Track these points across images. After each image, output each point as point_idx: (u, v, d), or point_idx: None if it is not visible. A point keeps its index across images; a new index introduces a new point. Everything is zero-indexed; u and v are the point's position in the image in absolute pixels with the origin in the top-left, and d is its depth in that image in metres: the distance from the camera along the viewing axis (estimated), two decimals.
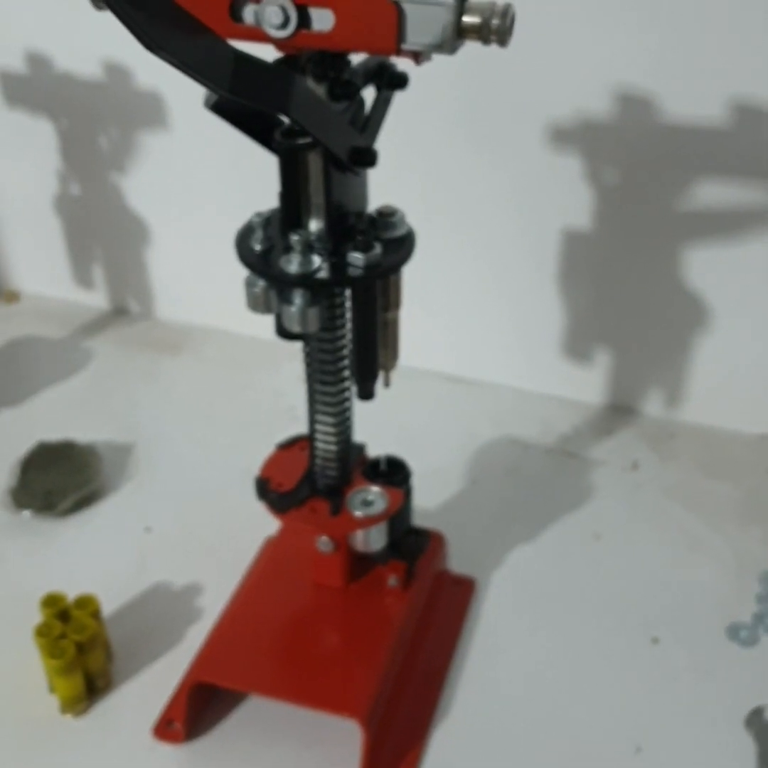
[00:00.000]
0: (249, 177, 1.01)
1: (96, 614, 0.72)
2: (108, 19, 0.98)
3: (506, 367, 1.04)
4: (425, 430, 0.99)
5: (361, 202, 0.61)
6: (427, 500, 0.88)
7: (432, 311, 1.04)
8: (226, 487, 0.91)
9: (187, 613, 0.79)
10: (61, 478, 0.90)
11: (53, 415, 1.02)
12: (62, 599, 0.73)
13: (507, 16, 0.47)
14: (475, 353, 1.05)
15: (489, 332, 1.03)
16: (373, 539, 0.70)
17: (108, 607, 0.78)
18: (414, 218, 0.97)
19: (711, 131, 0.83)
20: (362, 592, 0.74)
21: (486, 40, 0.47)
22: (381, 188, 0.91)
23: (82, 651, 0.70)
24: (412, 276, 1.01)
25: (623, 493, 0.91)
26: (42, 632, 0.70)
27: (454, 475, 0.93)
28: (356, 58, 0.55)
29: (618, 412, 1.02)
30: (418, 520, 0.83)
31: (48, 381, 1.07)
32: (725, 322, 0.94)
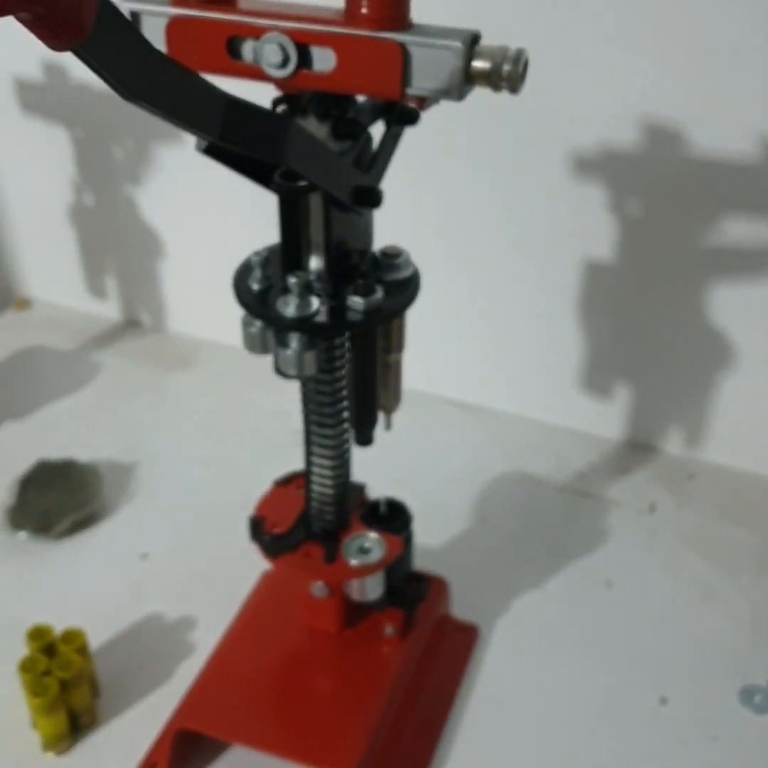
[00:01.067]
0: (264, 192, 0.99)
1: (82, 650, 0.70)
2: None
3: (521, 396, 1.01)
4: (432, 461, 0.96)
5: (366, 241, 0.58)
6: (431, 538, 0.86)
7: (445, 335, 1.01)
8: (227, 512, 0.89)
9: (178, 647, 0.77)
10: (60, 499, 0.89)
11: (57, 430, 1.00)
12: (49, 632, 0.70)
13: (519, 61, 0.43)
14: (488, 380, 1.02)
15: (504, 359, 1.00)
16: (369, 588, 0.67)
17: (98, 637, 0.76)
18: (431, 243, 0.95)
19: (739, 165, 0.80)
20: (357, 639, 0.71)
21: (496, 87, 0.44)
22: (397, 216, 0.88)
23: (66, 688, 0.68)
24: (426, 299, 0.99)
25: (638, 537, 0.88)
26: (26, 667, 0.68)
27: (461, 512, 0.90)
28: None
29: (636, 449, 0.98)
30: (421, 559, 0.80)
31: (54, 394, 1.05)
32: (750, 360, 0.90)
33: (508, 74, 0.43)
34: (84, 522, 0.88)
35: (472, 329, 1.00)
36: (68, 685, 0.68)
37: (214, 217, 1.05)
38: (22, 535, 0.86)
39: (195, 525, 0.89)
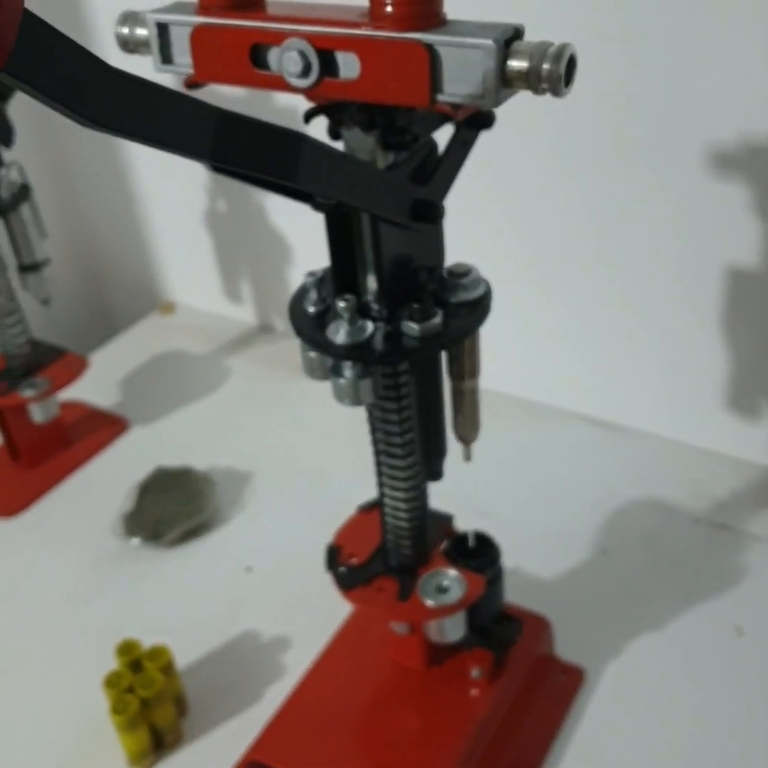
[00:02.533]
0: None
1: (167, 668, 0.69)
2: None
3: (660, 414, 0.93)
4: (557, 480, 0.90)
5: (434, 257, 0.53)
6: (544, 569, 0.80)
7: (578, 346, 0.94)
8: (334, 528, 0.86)
9: (270, 669, 0.75)
10: (174, 507, 0.89)
11: (181, 436, 1.01)
12: (136, 647, 0.70)
13: (561, 60, 0.37)
14: (625, 395, 0.94)
15: (641, 374, 0.92)
16: (447, 630, 0.62)
17: (193, 652, 0.76)
18: (566, 246, 0.88)
19: None
20: (443, 678, 0.67)
21: (536, 90, 0.38)
22: (527, 217, 0.82)
23: (148, 706, 0.68)
24: (559, 306, 0.92)
25: None
26: (112, 682, 0.68)
27: (581, 541, 0.83)
28: None
29: None
30: (530, 592, 0.75)
31: (183, 399, 1.06)
32: None
33: (547, 74, 0.38)
34: (195, 531, 0.88)
35: (608, 342, 0.92)
36: (150, 703, 0.68)
37: None
38: (135, 541, 0.87)
39: (303, 541, 0.86)
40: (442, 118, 0.50)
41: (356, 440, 0.97)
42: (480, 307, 0.52)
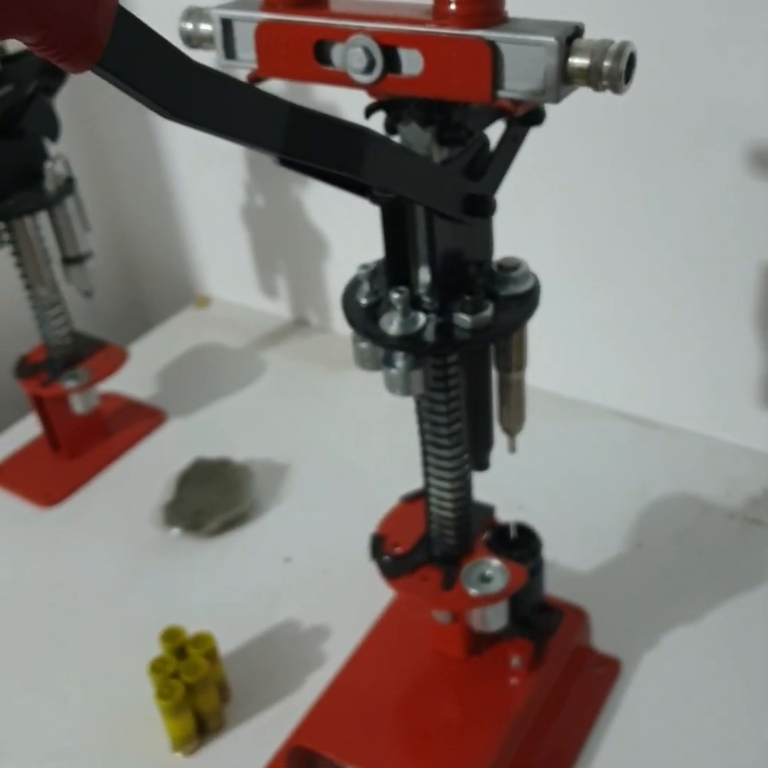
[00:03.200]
0: None
1: (211, 654, 0.71)
2: None
3: (694, 410, 0.93)
4: (591, 475, 0.90)
5: (484, 251, 0.54)
6: (580, 562, 0.80)
7: (615, 342, 0.95)
8: (375, 520, 0.87)
9: (310, 657, 0.76)
10: (213, 497, 0.90)
11: (218, 429, 1.02)
12: (181, 634, 0.72)
13: (622, 57, 0.38)
14: (659, 392, 0.95)
15: (680, 371, 0.92)
16: (490, 619, 0.63)
17: (234, 640, 0.77)
18: (605, 241, 0.89)
19: None
20: (483, 667, 0.68)
21: (596, 87, 0.39)
22: (570, 210, 0.83)
23: (192, 692, 0.69)
24: (594, 304, 0.93)
25: None
26: (157, 668, 0.70)
27: (617, 534, 0.84)
28: None
29: None
30: (566, 584, 0.76)
31: (220, 392, 1.07)
32: None
33: (608, 72, 0.38)
34: (234, 522, 0.89)
35: (644, 338, 0.93)
36: (194, 688, 0.69)
37: (376, 221, 1.03)
38: (175, 531, 0.88)
39: (341, 532, 0.87)
40: (495, 115, 0.51)
41: (392, 435, 0.99)
42: (529, 301, 0.53)
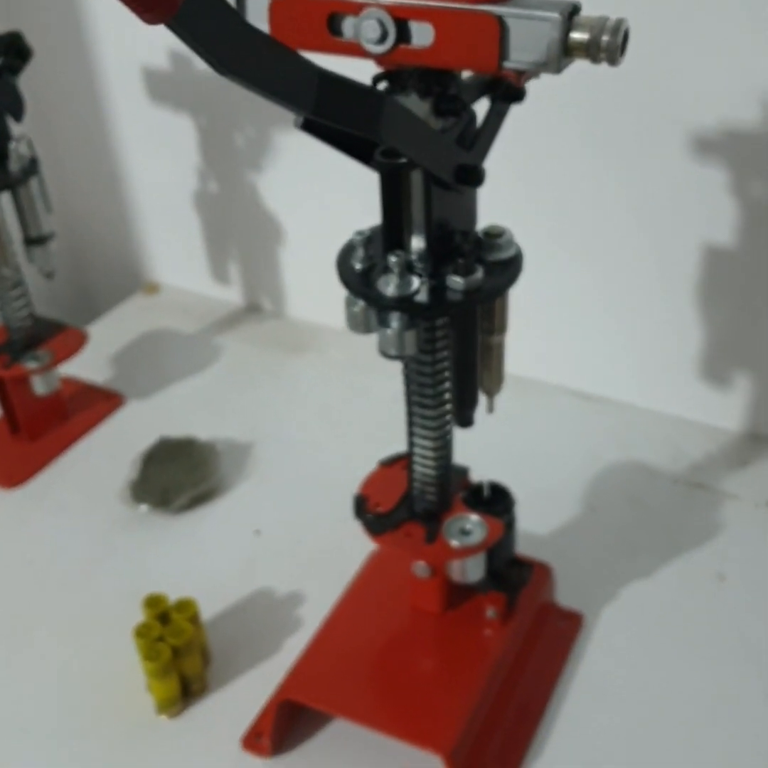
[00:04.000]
0: None
1: (194, 619, 0.73)
2: None
3: (637, 385, 0.99)
4: (545, 448, 0.95)
5: (469, 221, 0.58)
6: (540, 525, 0.85)
7: (560, 322, 1.00)
8: (337, 494, 0.90)
9: (286, 622, 0.79)
10: (179, 475, 0.92)
11: (178, 410, 1.03)
12: (163, 601, 0.73)
13: (618, 32, 0.43)
14: (605, 369, 1.00)
15: (621, 348, 0.98)
16: (470, 570, 0.67)
17: (210, 609, 0.79)
18: (543, 229, 0.93)
19: None
20: (459, 620, 0.71)
21: (594, 59, 0.43)
22: (510, 200, 0.87)
23: (178, 655, 0.71)
24: (541, 285, 0.98)
25: (754, 531, 0.85)
26: (141, 633, 0.71)
27: (571, 500, 0.89)
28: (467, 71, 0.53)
29: (756, 441, 0.94)
30: (529, 546, 0.79)
31: (177, 375, 1.09)
32: None
33: (606, 45, 0.43)
34: (202, 498, 0.91)
35: (589, 317, 0.98)
36: (180, 651, 0.71)
37: (333, 204, 1.06)
38: (143, 508, 0.90)
39: (307, 505, 0.90)
40: (482, 90, 0.55)
41: (351, 414, 1.02)
42: (514, 265, 0.57)
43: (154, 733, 0.71)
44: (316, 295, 1.16)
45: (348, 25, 0.47)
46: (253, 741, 0.70)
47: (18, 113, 0.87)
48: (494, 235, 0.57)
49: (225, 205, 1.14)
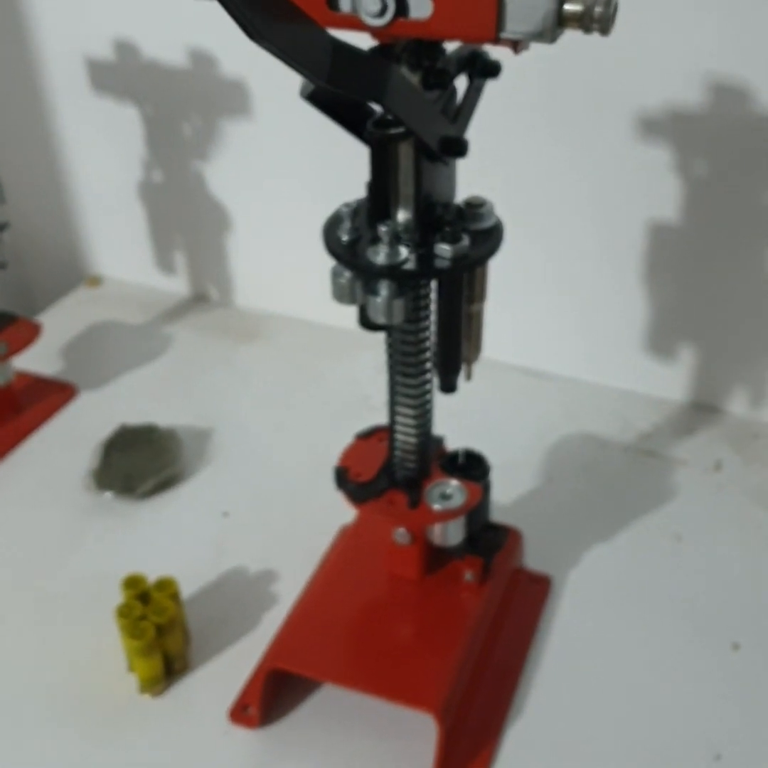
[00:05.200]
0: (329, 167, 1.01)
1: (175, 597, 0.73)
2: (193, 7, 0.99)
3: (584, 362, 1.03)
4: (498, 424, 0.98)
5: (449, 193, 0.60)
6: (501, 495, 0.87)
7: (506, 303, 1.02)
8: (301, 474, 0.92)
9: (262, 598, 0.80)
10: (142, 461, 0.92)
11: (133, 399, 1.03)
12: (143, 581, 0.74)
13: (610, 4, 0.45)
14: (551, 347, 1.04)
15: (566, 326, 1.02)
16: (450, 533, 0.70)
17: (185, 590, 0.78)
18: (494, 204, 0.96)
19: None
20: (438, 585, 0.73)
21: (587, 29, 0.46)
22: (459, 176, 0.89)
23: (162, 633, 0.71)
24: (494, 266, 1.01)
25: (705, 494, 0.89)
26: (123, 613, 0.71)
27: (529, 471, 0.92)
28: (450, 47, 0.55)
29: (701, 410, 0.99)
30: (494, 513, 0.82)
31: (128, 365, 1.08)
32: None
33: (599, 16, 0.45)
34: (166, 483, 0.91)
35: (535, 294, 1.01)
36: (163, 629, 0.71)
37: (279, 194, 1.07)
38: (108, 495, 0.89)
39: (271, 486, 0.91)
40: (462, 66, 0.57)
41: (307, 397, 1.04)
42: (495, 234, 0.59)
43: (139, 713, 0.72)
44: (264, 283, 1.17)
45: (345, 0, 0.48)
46: (240, 713, 0.71)
47: None
48: (476, 206, 0.59)
49: (170, 195, 1.14)
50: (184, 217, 1.15)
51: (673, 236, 0.91)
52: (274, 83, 1.00)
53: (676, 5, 0.80)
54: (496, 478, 0.88)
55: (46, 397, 1.02)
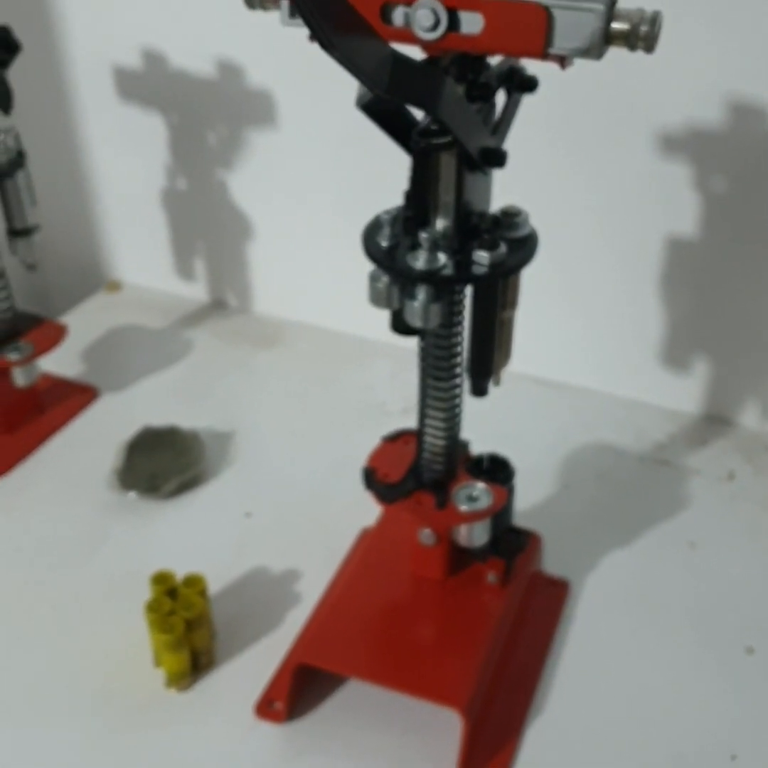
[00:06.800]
0: (350, 179, 1.03)
1: (203, 593, 0.75)
2: (221, 18, 1.00)
3: (600, 372, 1.05)
4: (514, 432, 0.99)
5: (486, 202, 0.62)
6: (519, 501, 0.89)
7: (522, 312, 1.04)
8: (320, 477, 0.94)
9: (285, 597, 0.81)
10: (165, 462, 0.93)
11: (154, 402, 1.05)
12: (171, 577, 0.75)
13: (656, 23, 0.47)
14: (568, 356, 1.06)
15: (583, 336, 1.04)
16: (476, 535, 0.71)
17: (210, 587, 0.80)
18: None
19: None
20: (461, 586, 0.75)
21: (633, 47, 0.48)
22: None
23: (190, 628, 0.73)
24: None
25: (718, 502, 0.91)
26: (153, 608, 0.73)
27: (546, 478, 0.94)
28: (493, 61, 0.57)
29: (714, 422, 1.01)
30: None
31: (149, 369, 1.10)
32: None
33: (645, 34, 0.47)
34: (190, 483, 0.92)
35: (551, 305, 1.03)
36: (192, 624, 0.73)
37: (300, 204, 1.09)
38: (132, 495, 0.91)
39: (292, 488, 0.93)
40: (501, 81, 0.59)
41: (326, 403, 1.05)
42: (530, 242, 0.61)
43: (166, 707, 0.73)
44: (283, 291, 1.19)
45: (398, 14, 0.50)
46: (266, 708, 0.72)
47: (6, 106, 0.88)
48: (512, 215, 0.61)
49: (192, 202, 1.16)
50: (205, 225, 1.17)
51: (689, 250, 0.93)
52: (299, 95, 1.03)
53: (698, 23, 0.82)
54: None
55: (69, 398, 1.04)
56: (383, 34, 0.51)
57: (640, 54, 0.79)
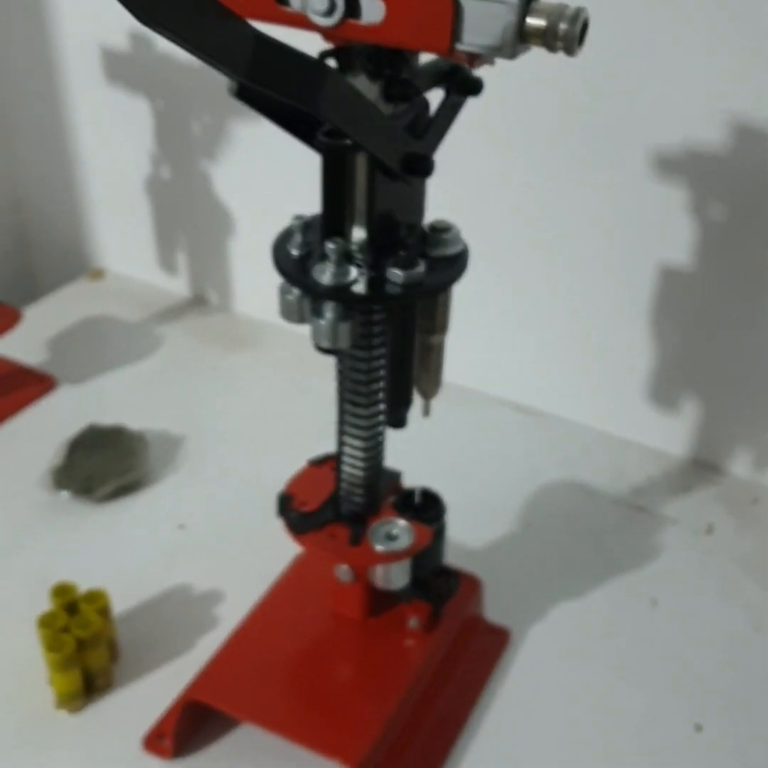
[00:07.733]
0: None
1: (103, 611, 0.70)
2: None
3: (583, 404, 0.98)
4: (485, 461, 0.93)
5: (415, 214, 0.56)
6: (473, 537, 0.83)
7: (508, 334, 0.98)
8: (266, 493, 0.86)
9: (203, 620, 0.76)
10: (105, 464, 0.89)
11: (111, 398, 1.00)
12: (72, 590, 0.70)
13: (577, 21, 0.41)
14: (550, 385, 0.99)
15: (568, 364, 0.97)
16: (394, 576, 0.65)
17: (125, 602, 0.76)
18: (503, 237, 0.92)
19: None
20: (381, 628, 0.69)
21: (551, 47, 0.42)
22: (470, 205, 0.86)
23: (83, 647, 0.68)
24: (490, 295, 0.96)
25: (691, 557, 0.84)
26: (46, 622, 0.68)
27: (508, 514, 0.87)
28: (424, 57, 0.51)
29: (699, 467, 0.93)
30: (460, 557, 0.77)
31: (114, 363, 1.06)
32: None
33: (564, 34, 0.41)
34: (127, 488, 0.87)
35: (537, 331, 0.97)
36: (85, 644, 0.68)
37: (282, 202, 1.03)
38: (65, 495, 0.86)
39: (235, 502, 0.88)
40: (437, 79, 0.53)
41: (288, 412, 1.00)
42: (458, 263, 0.55)
43: (51, 728, 0.68)
44: (264, 291, 1.13)
45: None
46: (154, 742, 0.67)
47: None
48: (440, 230, 0.55)
49: (177, 193, 1.11)
50: (188, 217, 1.13)
51: (684, 282, 0.86)
52: None
53: (697, 43, 0.75)
54: (470, 516, 0.84)
55: (23, 387, 1.00)
56: (278, 17, 0.45)
57: (637, 71, 0.73)
